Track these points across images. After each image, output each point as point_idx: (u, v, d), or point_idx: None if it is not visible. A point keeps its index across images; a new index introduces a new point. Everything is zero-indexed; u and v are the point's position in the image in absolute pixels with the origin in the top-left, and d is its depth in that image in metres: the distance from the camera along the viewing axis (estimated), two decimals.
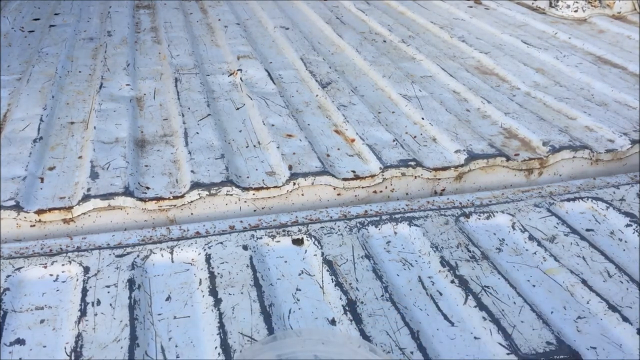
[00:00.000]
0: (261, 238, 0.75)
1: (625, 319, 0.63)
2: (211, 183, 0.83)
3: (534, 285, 0.69)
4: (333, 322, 0.63)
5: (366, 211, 0.82)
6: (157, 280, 0.68)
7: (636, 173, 0.94)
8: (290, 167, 0.87)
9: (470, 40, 1.47)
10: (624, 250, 0.76)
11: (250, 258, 0.71)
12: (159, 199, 0.81)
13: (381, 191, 0.88)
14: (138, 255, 0.71)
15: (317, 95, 1.16)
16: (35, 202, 0.80)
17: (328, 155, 0.93)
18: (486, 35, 1.52)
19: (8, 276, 0.67)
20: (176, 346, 0.59)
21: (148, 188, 0.84)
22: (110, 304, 0.63)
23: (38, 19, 1.56)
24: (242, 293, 0.66)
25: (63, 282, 0.67)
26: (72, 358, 0.57)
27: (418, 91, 1.17)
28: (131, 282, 0.66)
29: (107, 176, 0.84)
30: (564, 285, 0.69)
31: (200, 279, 0.68)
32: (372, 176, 0.88)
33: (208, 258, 0.71)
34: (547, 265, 0.72)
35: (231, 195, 0.83)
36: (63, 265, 0.69)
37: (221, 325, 0.61)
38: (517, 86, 1.22)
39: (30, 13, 1.61)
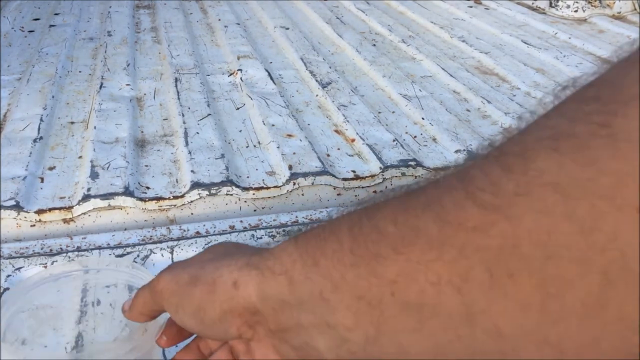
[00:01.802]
0: (261, 238, 0.75)
1: None
2: (211, 183, 0.83)
3: None
4: None
5: None
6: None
7: None
8: (290, 167, 0.87)
9: (470, 40, 1.47)
10: None
11: None
12: (159, 198, 0.81)
13: (381, 191, 0.88)
14: (138, 255, 0.71)
15: (317, 95, 1.16)
16: (35, 202, 0.80)
17: (328, 155, 0.93)
18: (486, 35, 1.52)
19: (8, 276, 0.67)
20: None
21: (148, 188, 0.84)
22: (110, 304, 0.63)
23: (38, 19, 1.57)
24: None
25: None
26: (72, 358, 0.57)
27: (418, 91, 1.17)
28: (131, 282, 0.66)
29: (107, 176, 0.84)
30: None
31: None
32: (372, 176, 0.88)
33: None
34: None
35: (231, 195, 0.83)
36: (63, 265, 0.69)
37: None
38: (517, 86, 1.22)
39: (30, 13, 1.61)
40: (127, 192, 0.81)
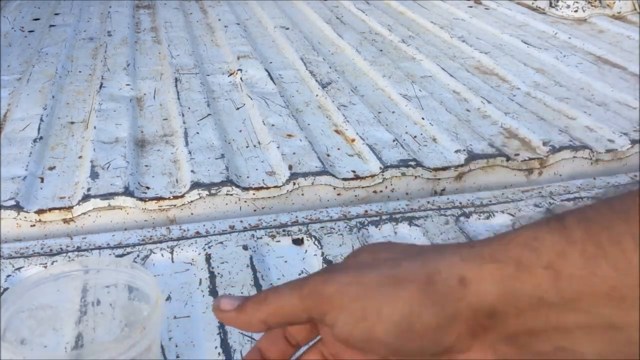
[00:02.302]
0: (261, 238, 0.75)
1: None
2: (211, 183, 0.83)
3: None
4: None
5: (366, 211, 0.81)
6: (157, 280, 0.68)
7: (636, 173, 0.94)
8: (290, 167, 0.87)
9: (470, 40, 1.47)
10: None
11: (251, 258, 0.71)
12: (159, 198, 0.81)
13: (381, 191, 0.88)
14: (138, 255, 0.71)
15: (317, 95, 1.16)
16: (35, 202, 0.80)
17: (328, 155, 0.93)
18: (486, 35, 1.52)
19: (8, 276, 0.67)
20: (176, 346, 0.59)
21: (148, 188, 0.84)
22: (110, 304, 0.63)
23: (38, 19, 1.57)
24: (242, 293, 0.66)
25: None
26: (72, 358, 0.57)
27: (418, 91, 1.17)
28: (131, 282, 0.66)
29: (107, 176, 0.84)
30: None
31: (201, 279, 0.68)
32: (372, 176, 0.88)
33: (208, 258, 0.71)
34: None
35: (231, 195, 0.83)
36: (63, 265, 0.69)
37: (221, 325, 0.61)
38: (517, 86, 1.22)
39: (30, 13, 1.61)
40: (127, 192, 0.81)
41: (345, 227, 0.77)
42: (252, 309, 0.34)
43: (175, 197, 0.81)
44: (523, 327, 0.28)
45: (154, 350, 0.47)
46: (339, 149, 0.96)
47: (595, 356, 0.26)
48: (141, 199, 0.80)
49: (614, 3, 1.66)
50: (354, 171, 0.89)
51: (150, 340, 0.45)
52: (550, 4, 1.70)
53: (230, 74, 1.25)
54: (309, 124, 1.04)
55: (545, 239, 0.27)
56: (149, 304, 0.49)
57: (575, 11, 1.65)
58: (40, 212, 0.78)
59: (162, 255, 0.71)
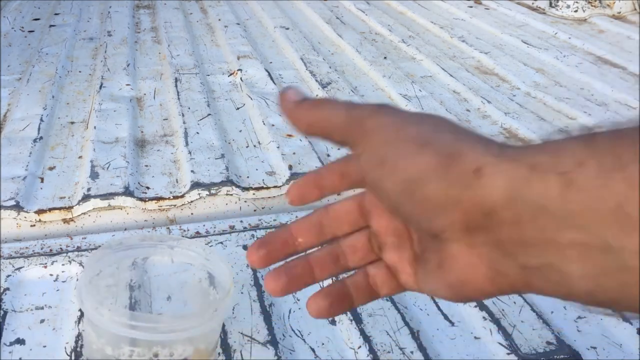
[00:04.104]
0: None
1: (625, 319, 0.63)
2: (211, 183, 0.83)
3: None
4: (333, 322, 0.63)
5: None
6: (158, 280, 0.68)
7: None
8: (290, 167, 0.87)
9: (470, 40, 1.47)
10: None
11: None
12: (159, 198, 0.81)
13: None
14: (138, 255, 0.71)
15: (317, 95, 1.16)
16: (35, 202, 0.80)
17: (328, 155, 0.93)
18: (486, 35, 1.52)
19: (8, 276, 0.67)
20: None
21: (148, 188, 0.84)
22: (111, 304, 0.63)
23: (38, 19, 1.57)
24: (242, 293, 0.66)
25: (63, 281, 0.67)
26: (72, 358, 0.57)
27: (418, 91, 1.17)
28: (131, 282, 0.66)
29: (107, 176, 0.84)
30: None
31: (201, 279, 0.68)
32: None
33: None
34: None
35: (231, 195, 0.83)
36: (63, 265, 0.69)
37: (221, 325, 0.61)
38: (517, 86, 1.22)
39: (30, 13, 1.61)
40: (127, 192, 0.81)
41: None
42: (308, 109, 0.34)
43: (175, 197, 0.81)
44: (516, 236, 0.27)
45: (216, 336, 0.50)
46: (339, 148, 0.96)
47: (582, 278, 0.26)
48: (141, 199, 0.80)
49: (614, 3, 1.66)
50: None
51: (217, 324, 0.47)
52: (550, 4, 1.70)
53: (230, 74, 1.25)
54: None
55: (567, 148, 0.26)
56: (218, 289, 0.52)
57: (575, 11, 1.65)
58: (40, 212, 0.78)
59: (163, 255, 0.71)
